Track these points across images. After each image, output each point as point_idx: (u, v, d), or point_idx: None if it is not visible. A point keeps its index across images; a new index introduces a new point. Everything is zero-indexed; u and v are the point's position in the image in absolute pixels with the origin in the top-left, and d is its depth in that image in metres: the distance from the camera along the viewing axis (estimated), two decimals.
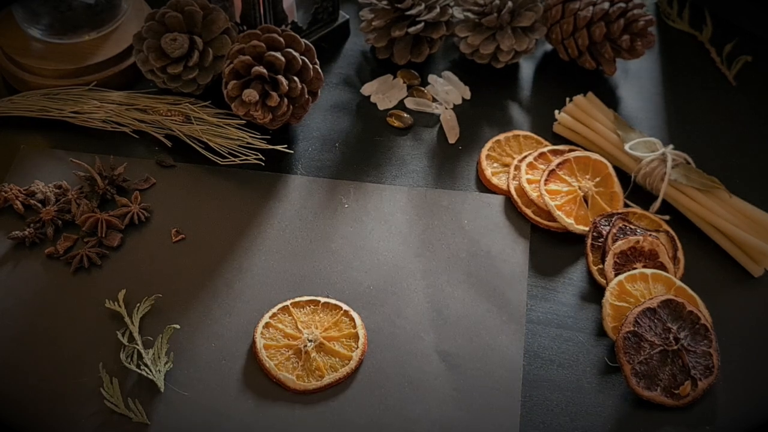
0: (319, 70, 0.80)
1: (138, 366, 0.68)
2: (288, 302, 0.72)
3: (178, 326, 0.70)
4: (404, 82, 0.90)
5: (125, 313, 0.71)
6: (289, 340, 0.70)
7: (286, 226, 0.78)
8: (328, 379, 0.68)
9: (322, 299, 0.72)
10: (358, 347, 0.69)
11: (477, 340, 0.71)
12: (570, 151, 0.82)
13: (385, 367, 0.70)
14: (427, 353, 0.70)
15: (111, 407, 0.66)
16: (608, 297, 0.72)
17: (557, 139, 0.85)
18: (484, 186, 0.82)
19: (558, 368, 0.70)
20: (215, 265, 0.75)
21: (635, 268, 0.73)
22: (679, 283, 0.72)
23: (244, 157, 0.81)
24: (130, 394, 0.67)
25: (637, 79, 0.92)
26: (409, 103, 0.88)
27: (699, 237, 0.78)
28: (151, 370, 0.67)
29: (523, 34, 0.88)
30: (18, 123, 0.84)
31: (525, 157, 0.82)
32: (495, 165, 0.83)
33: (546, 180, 0.79)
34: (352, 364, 0.69)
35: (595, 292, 0.75)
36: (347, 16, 0.94)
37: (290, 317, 0.71)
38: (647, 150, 0.80)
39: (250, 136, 0.82)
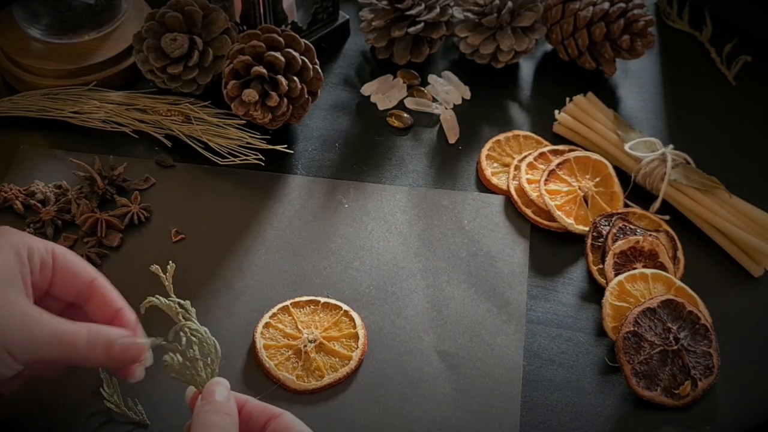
0: (319, 70, 0.80)
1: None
2: (288, 302, 0.72)
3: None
4: (404, 82, 0.90)
5: None
6: (289, 340, 0.70)
7: (286, 226, 0.78)
8: (328, 379, 0.68)
9: (322, 299, 0.72)
10: (358, 347, 0.69)
11: (477, 340, 0.71)
12: (570, 151, 0.82)
13: (385, 367, 0.70)
14: (427, 353, 0.70)
15: (110, 407, 0.66)
16: (608, 297, 0.72)
17: (557, 139, 0.85)
18: (484, 186, 0.82)
19: (558, 368, 0.70)
20: (215, 265, 0.75)
21: (635, 268, 0.73)
22: (679, 283, 0.72)
23: (244, 157, 0.81)
24: (130, 393, 0.67)
25: (637, 79, 0.92)
26: (409, 103, 0.88)
27: (699, 237, 0.78)
28: None
29: (523, 34, 0.88)
30: (18, 123, 0.84)
31: (525, 157, 0.82)
32: (495, 165, 0.83)
33: (546, 180, 0.79)
34: (352, 364, 0.69)
35: (595, 292, 0.75)
36: (347, 16, 0.94)
37: (290, 317, 0.71)
38: (647, 150, 0.80)
39: (250, 136, 0.82)
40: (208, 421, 0.52)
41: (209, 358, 0.58)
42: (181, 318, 0.59)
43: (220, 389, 0.55)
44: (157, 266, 0.60)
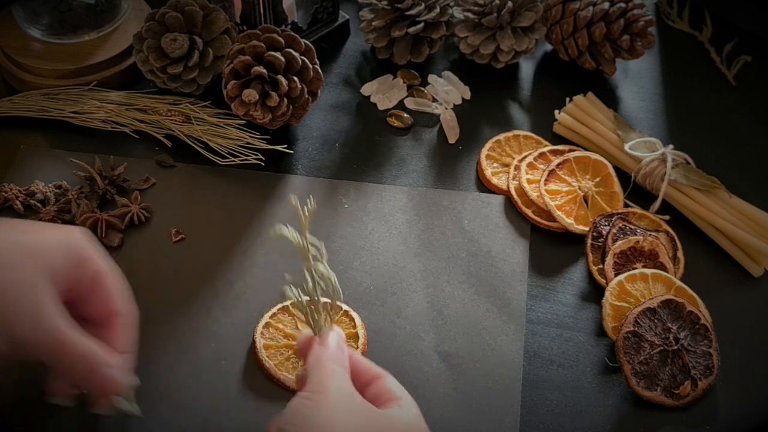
0: (319, 70, 0.80)
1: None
2: (288, 302, 0.72)
3: None
4: (404, 82, 0.90)
5: None
6: (289, 340, 0.70)
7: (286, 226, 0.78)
8: None
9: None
10: (358, 347, 0.69)
11: (477, 340, 0.71)
12: (570, 151, 0.82)
13: (385, 367, 0.69)
14: (427, 353, 0.70)
15: None
16: (608, 297, 0.72)
17: (557, 139, 0.85)
18: (484, 186, 0.82)
19: (558, 368, 0.70)
20: (215, 265, 0.75)
21: (635, 268, 0.73)
22: (679, 283, 0.72)
23: (244, 157, 0.81)
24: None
25: (637, 79, 0.92)
26: (409, 103, 0.88)
27: (699, 237, 0.78)
28: None
29: (523, 34, 0.88)
30: (18, 123, 0.84)
31: (525, 157, 0.82)
32: (495, 165, 0.83)
33: (546, 180, 0.79)
34: None
35: (595, 292, 0.75)
36: (347, 16, 0.94)
37: (290, 317, 0.71)
38: (647, 150, 0.80)
39: (250, 136, 0.82)
40: (325, 367, 0.54)
41: (330, 306, 0.58)
42: (310, 258, 0.58)
43: (337, 339, 0.56)
44: (295, 197, 0.58)
